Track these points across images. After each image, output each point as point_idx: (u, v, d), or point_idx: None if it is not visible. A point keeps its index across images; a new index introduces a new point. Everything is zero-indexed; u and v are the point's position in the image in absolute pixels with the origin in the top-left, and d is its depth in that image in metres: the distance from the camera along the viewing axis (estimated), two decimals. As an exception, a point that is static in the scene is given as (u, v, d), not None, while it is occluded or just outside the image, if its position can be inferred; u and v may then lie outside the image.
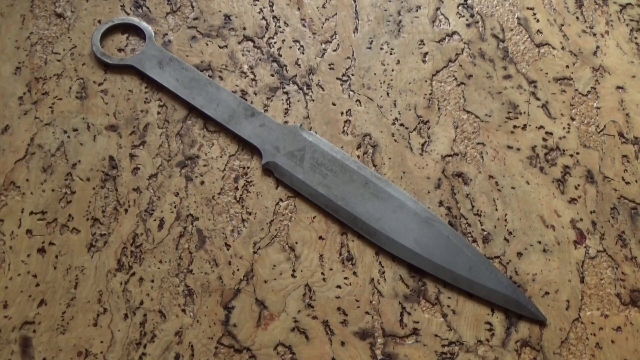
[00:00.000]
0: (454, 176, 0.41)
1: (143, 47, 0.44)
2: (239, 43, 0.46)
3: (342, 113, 0.43)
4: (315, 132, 0.42)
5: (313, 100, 0.44)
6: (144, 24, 0.45)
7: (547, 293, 0.37)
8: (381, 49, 0.46)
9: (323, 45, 0.46)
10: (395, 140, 0.42)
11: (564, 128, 0.43)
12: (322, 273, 0.37)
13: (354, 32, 0.47)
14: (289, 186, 0.39)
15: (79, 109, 0.43)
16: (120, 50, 0.46)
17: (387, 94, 0.44)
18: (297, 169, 0.38)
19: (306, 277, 0.37)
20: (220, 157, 0.41)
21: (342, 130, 0.42)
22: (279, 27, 0.47)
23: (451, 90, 0.44)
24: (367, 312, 0.36)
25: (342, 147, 0.42)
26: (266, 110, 0.43)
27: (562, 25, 0.47)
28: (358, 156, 0.41)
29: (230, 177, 0.40)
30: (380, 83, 0.45)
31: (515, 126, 0.43)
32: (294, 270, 0.38)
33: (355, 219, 0.37)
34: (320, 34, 0.47)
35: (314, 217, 0.39)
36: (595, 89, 0.45)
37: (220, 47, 0.46)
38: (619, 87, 0.45)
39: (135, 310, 0.36)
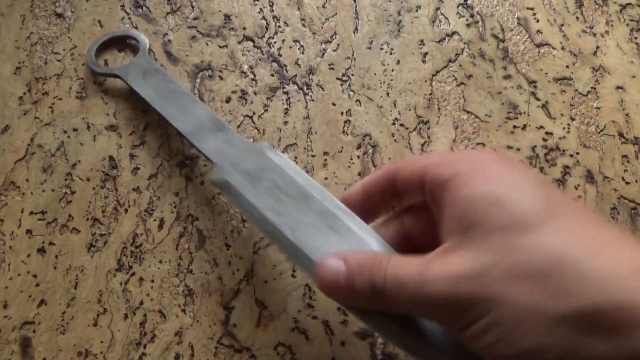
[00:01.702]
0: (454, 176, 0.41)
1: (134, 59, 0.44)
2: (239, 43, 0.46)
3: (342, 113, 0.43)
4: (287, 155, 0.39)
5: (313, 100, 0.44)
6: (141, 37, 0.45)
7: (547, 293, 0.37)
8: (381, 49, 0.46)
9: (323, 45, 0.46)
10: (395, 141, 0.42)
11: (564, 128, 0.43)
12: (322, 273, 0.37)
13: (354, 32, 0.47)
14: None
15: (79, 109, 0.43)
16: (120, 51, 0.46)
17: (387, 94, 0.44)
18: (249, 190, 0.32)
19: (306, 277, 0.37)
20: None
21: (342, 130, 0.42)
22: (279, 27, 0.47)
23: (451, 90, 0.44)
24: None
25: (342, 147, 0.42)
26: (266, 111, 0.43)
27: (562, 25, 0.47)
28: (358, 156, 0.41)
29: (230, 177, 0.40)
30: (380, 83, 0.45)
31: (515, 126, 0.43)
32: (294, 270, 0.38)
33: (297, 250, 0.29)
34: (320, 34, 0.47)
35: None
36: (595, 89, 0.45)
37: (220, 47, 0.46)
38: (619, 87, 0.45)
39: (135, 310, 0.36)
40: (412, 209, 0.29)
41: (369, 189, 0.29)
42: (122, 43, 0.46)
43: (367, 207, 0.30)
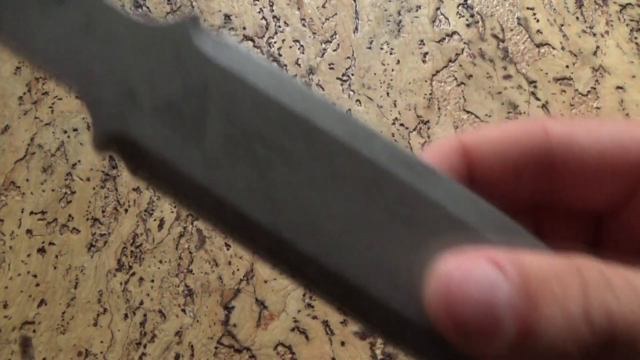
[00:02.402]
0: (454, 176, 0.41)
1: None
2: (239, 43, 0.46)
3: (342, 113, 0.43)
4: (233, 39, 0.20)
5: (313, 100, 0.44)
6: None
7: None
8: (381, 49, 0.46)
9: (323, 45, 0.46)
10: (396, 140, 0.42)
11: (564, 128, 0.43)
12: (322, 273, 0.37)
13: (354, 32, 0.47)
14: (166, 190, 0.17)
15: (79, 109, 0.43)
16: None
17: (387, 94, 0.44)
18: (187, 150, 0.13)
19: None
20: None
21: (342, 130, 0.43)
22: (279, 26, 0.47)
23: (451, 90, 0.44)
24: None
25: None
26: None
27: (562, 25, 0.47)
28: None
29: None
30: (380, 83, 0.45)
31: (515, 126, 0.43)
32: (294, 270, 0.38)
33: (339, 285, 0.13)
34: (320, 34, 0.47)
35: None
36: (595, 89, 0.45)
37: (220, 47, 0.46)
38: (619, 87, 0.45)
39: (135, 310, 0.36)
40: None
41: (483, 157, 0.15)
42: None
43: (481, 185, 0.15)
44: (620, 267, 0.11)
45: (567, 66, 0.45)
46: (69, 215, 0.39)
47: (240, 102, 0.13)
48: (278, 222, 0.12)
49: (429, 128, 0.43)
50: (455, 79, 0.45)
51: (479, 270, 0.11)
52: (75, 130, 0.42)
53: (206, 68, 0.13)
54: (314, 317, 0.36)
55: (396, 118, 0.43)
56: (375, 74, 0.45)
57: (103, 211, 0.39)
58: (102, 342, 0.35)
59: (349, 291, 0.12)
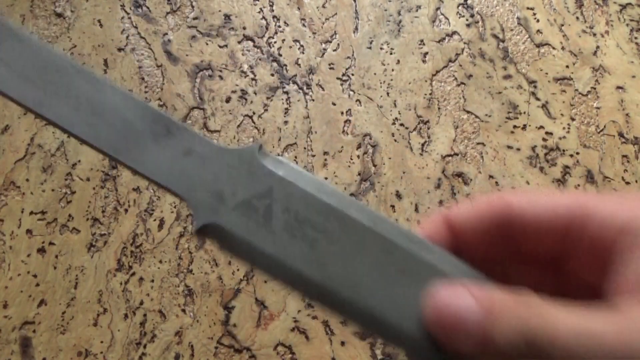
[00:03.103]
0: (454, 176, 0.41)
1: None
2: (239, 42, 0.46)
3: (342, 113, 0.43)
4: (286, 158, 0.26)
5: (313, 100, 0.44)
6: None
7: (547, 293, 0.37)
8: (381, 48, 0.46)
9: (323, 45, 0.46)
10: (395, 140, 0.42)
11: (564, 128, 0.43)
12: (322, 273, 0.37)
13: (354, 32, 0.47)
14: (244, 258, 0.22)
15: (78, 109, 0.43)
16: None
17: (387, 93, 0.44)
18: (260, 233, 0.20)
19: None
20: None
21: (342, 130, 0.42)
22: (279, 26, 0.47)
23: (451, 90, 0.44)
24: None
25: (342, 147, 0.41)
26: (266, 110, 0.43)
27: (562, 25, 0.47)
28: (358, 156, 0.41)
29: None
30: (380, 83, 0.45)
31: (515, 126, 0.43)
32: (294, 270, 0.38)
33: (371, 317, 0.19)
34: (320, 34, 0.47)
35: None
36: (595, 89, 0.45)
37: (220, 47, 0.46)
38: (619, 87, 0.45)
39: (135, 310, 0.36)
40: (521, 260, 0.21)
41: (462, 226, 0.21)
42: None
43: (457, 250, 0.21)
44: (558, 305, 0.17)
45: (567, 66, 0.45)
46: (69, 215, 0.39)
47: (294, 200, 0.21)
48: (323, 278, 0.20)
49: (429, 128, 0.43)
50: (455, 79, 0.45)
51: (461, 296, 0.18)
52: (75, 130, 0.42)
53: (270, 178, 0.21)
54: (314, 317, 0.36)
55: (396, 118, 0.43)
56: (375, 74, 0.45)
57: (103, 211, 0.39)
58: (102, 342, 0.35)
59: (369, 319, 0.19)
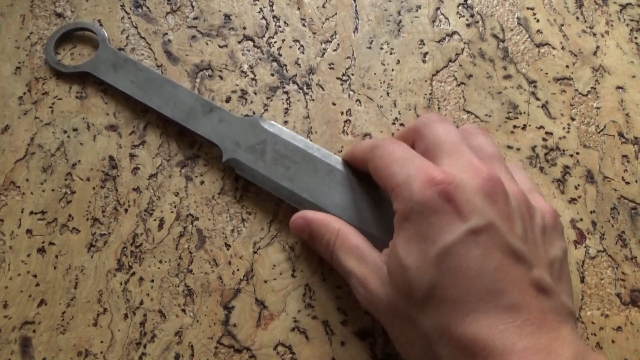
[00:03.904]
0: (454, 176, 0.41)
1: (97, 52, 0.44)
2: (239, 42, 0.46)
3: (342, 113, 0.43)
4: (275, 122, 0.40)
5: (313, 100, 0.44)
6: (97, 27, 0.45)
7: (547, 293, 0.37)
8: (381, 48, 0.46)
9: (323, 45, 0.46)
10: (395, 140, 0.42)
11: (564, 128, 0.43)
12: (322, 273, 0.37)
13: (354, 32, 0.47)
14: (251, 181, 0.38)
15: (79, 109, 0.43)
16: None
17: (387, 93, 0.44)
18: (259, 164, 0.36)
19: (306, 277, 0.37)
20: (221, 156, 0.41)
21: (342, 130, 0.42)
22: (279, 26, 0.47)
23: (451, 90, 0.44)
24: (367, 312, 0.36)
25: (342, 147, 0.42)
26: (266, 110, 0.43)
27: (562, 25, 0.47)
28: (358, 156, 0.41)
29: (231, 176, 0.40)
30: (380, 83, 0.45)
31: (515, 126, 0.43)
32: (294, 270, 0.38)
33: (320, 210, 0.35)
34: (320, 34, 0.47)
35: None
36: (595, 89, 0.45)
37: (220, 47, 0.46)
38: (619, 87, 0.45)
39: (135, 310, 0.36)
40: None
41: (352, 161, 0.37)
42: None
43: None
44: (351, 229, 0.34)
45: (567, 66, 0.45)
46: (69, 215, 0.39)
47: (278, 144, 0.37)
48: (295, 189, 0.36)
49: (429, 128, 0.43)
50: (455, 79, 0.45)
51: (299, 221, 0.35)
52: (75, 130, 0.42)
53: (265, 133, 0.38)
54: (314, 317, 0.36)
55: (396, 118, 0.43)
56: (375, 74, 0.45)
57: (103, 211, 0.39)
58: (102, 342, 0.35)
59: (316, 208, 0.35)
